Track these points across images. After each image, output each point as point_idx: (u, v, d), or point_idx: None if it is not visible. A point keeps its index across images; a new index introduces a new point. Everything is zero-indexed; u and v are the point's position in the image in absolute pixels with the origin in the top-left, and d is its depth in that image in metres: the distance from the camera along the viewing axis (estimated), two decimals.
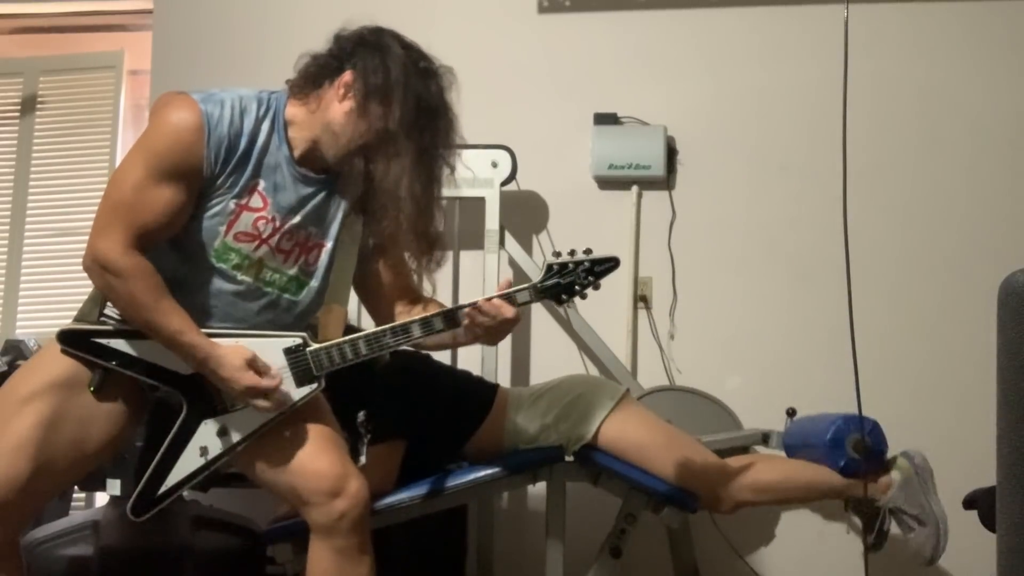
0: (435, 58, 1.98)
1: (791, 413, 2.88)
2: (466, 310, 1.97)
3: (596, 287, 2.03)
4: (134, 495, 1.95)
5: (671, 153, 3.28)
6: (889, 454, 2.63)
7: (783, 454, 2.81)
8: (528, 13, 3.43)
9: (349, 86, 1.91)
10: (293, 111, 1.97)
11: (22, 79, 3.84)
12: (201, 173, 1.89)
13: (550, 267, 2.02)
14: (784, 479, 2.57)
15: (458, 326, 2.00)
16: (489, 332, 1.99)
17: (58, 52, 3.94)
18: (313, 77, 1.96)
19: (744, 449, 2.87)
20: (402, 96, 1.89)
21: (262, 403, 1.91)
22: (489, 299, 1.97)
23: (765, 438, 2.88)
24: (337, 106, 1.92)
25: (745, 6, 3.31)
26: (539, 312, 3.33)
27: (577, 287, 2.02)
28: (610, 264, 2.03)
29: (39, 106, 3.82)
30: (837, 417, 2.60)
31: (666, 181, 3.28)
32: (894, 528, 2.63)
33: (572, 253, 2.02)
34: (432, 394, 2.53)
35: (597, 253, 2.03)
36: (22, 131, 3.80)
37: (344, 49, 1.95)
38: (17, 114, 3.83)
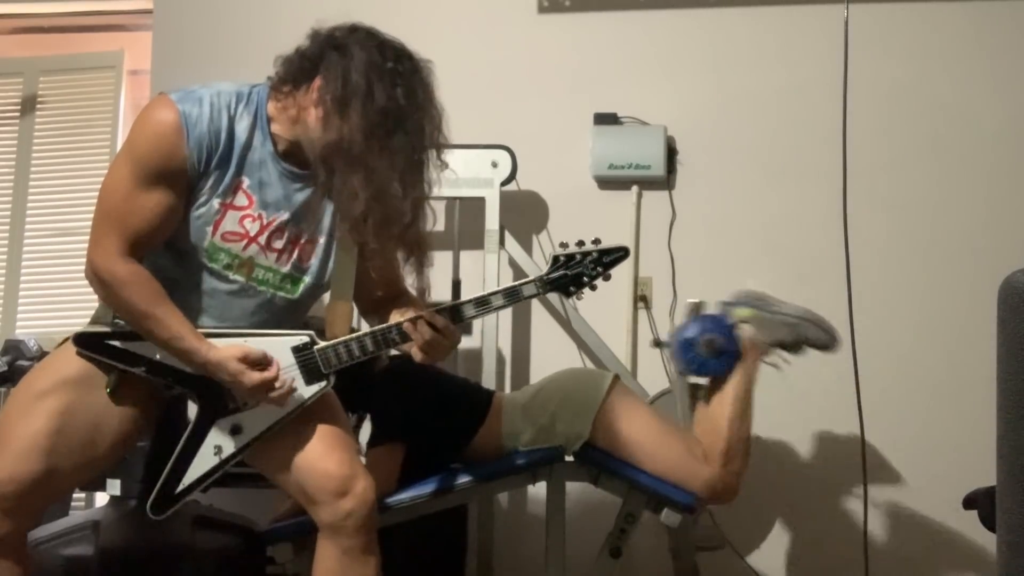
0: (412, 55, 1.90)
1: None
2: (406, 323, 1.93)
3: (606, 278, 1.99)
4: (154, 493, 1.95)
5: (671, 153, 3.28)
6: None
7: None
8: (528, 13, 3.43)
9: (320, 93, 1.86)
10: (274, 110, 1.94)
11: (22, 79, 3.84)
12: (186, 173, 1.87)
13: (556, 258, 1.98)
14: (731, 418, 2.44)
15: (463, 320, 1.98)
16: (429, 346, 1.93)
17: (58, 52, 3.94)
18: (291, 79, 1.91)
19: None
20: (361, 106, 1.82)
21: (273, 395, 1.90)
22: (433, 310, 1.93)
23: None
24: (312, 112, 1.87)
25: (745, 6, 3.31)
26: (539, 312, 3.33)
27: (586, 278, 1.98)
28: (619, 254, 1.99)
29: (39, 106, 3.82)
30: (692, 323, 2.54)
31: (666, 181, 3.28)
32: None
33: (580, 244, 1.99)
34: (431, 398, 2.51)
35: (606, 243, 1.99)
36: (22, 131, 3.80)
37: (315, 51, 1.89)
38: (17, 114, 3.83)
